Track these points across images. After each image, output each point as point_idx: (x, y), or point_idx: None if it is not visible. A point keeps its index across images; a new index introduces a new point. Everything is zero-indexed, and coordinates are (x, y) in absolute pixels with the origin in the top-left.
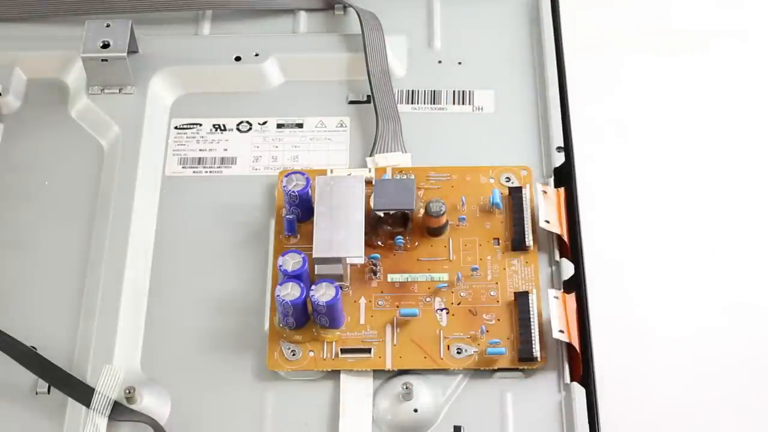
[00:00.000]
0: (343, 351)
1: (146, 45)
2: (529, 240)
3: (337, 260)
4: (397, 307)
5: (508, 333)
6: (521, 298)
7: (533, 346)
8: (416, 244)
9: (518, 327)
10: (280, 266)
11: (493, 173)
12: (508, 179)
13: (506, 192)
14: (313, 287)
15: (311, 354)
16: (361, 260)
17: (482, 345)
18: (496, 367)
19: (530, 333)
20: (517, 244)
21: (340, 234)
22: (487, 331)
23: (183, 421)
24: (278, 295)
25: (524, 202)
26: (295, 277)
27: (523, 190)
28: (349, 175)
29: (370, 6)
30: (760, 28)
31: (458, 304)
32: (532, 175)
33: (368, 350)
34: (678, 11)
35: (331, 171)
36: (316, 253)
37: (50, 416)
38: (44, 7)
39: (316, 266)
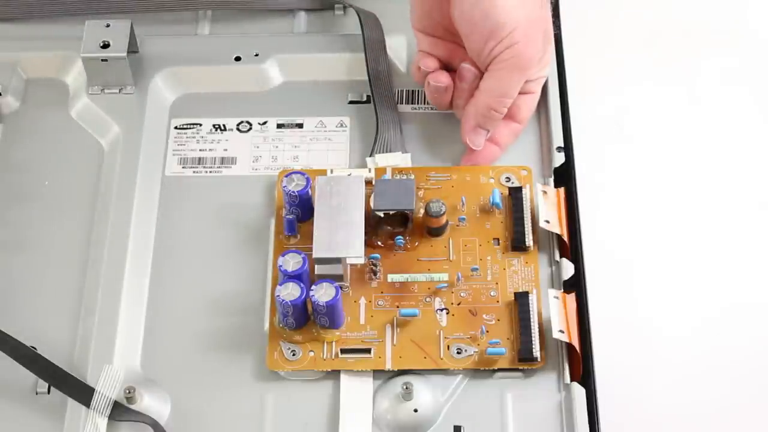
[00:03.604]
0: (343, 351)
1: (146, 45)
2: (529, 240)
3: (337, 260)
4: (397, 307)
5: (508, 333)
6: (521, 298)
7: (533, 346)
8: (416, 244)
9: (518, 327)
10: (280, 266)
11: (493, 173)
12: (508, 179)
13: (506, 192)
14: (313, 287)
15: (311, 354)
16: (361, 260)
17: (482, 345)
18: (496, 367)
19: (530, 333)
20: (517, 244)
21: (340, 234)
22: (487, 331)
23: (183, 421)
24: (278, 295)
25: (524, 202)
26: (295, 277)
27: (523, 190)
28: (349, 175)
29: (370, 6)
30: (762, 30)
31: (458, 304)
32: (532, 175)
33: (368, 350)
34: (679, 12)
35: (331, 171)
36: (316, 253)
37: (50, 416)
38: (44, 7)
39: (316, 266)
